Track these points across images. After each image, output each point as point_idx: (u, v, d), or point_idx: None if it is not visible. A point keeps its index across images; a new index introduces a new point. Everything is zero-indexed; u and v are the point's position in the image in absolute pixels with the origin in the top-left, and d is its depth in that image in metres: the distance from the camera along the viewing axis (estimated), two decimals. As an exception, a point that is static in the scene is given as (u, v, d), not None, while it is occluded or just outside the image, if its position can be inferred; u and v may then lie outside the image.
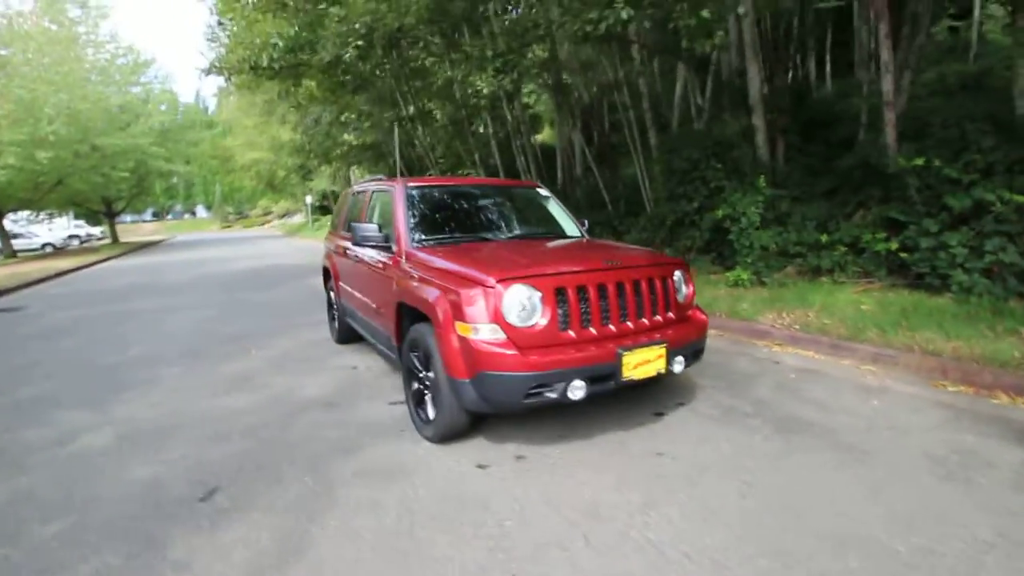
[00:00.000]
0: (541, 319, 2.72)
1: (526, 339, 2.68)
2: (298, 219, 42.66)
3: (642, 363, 2.82)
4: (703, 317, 3.40)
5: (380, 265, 3.82)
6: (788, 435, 3.11)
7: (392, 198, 3.96)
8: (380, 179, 4.83)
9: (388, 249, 3.70)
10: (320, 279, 9.04)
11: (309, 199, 29.54)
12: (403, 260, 3.43)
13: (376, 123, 15.15)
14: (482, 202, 4.27)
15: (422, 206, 3.86)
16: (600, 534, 2.23)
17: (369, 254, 4.08)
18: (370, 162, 20.38)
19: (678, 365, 3.04)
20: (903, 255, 5.80)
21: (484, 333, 2.67)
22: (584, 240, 4.03)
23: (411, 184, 3.96)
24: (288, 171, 29.22)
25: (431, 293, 2.93)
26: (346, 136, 18.24)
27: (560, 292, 2.77)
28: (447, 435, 3.06)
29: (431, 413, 3.11)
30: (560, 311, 2.76)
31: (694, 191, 8.06)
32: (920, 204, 5.80)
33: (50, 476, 2.99)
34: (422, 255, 3.36)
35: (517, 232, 4.02)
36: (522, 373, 2.61)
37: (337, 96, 12.52)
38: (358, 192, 5.13)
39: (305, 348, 5.55)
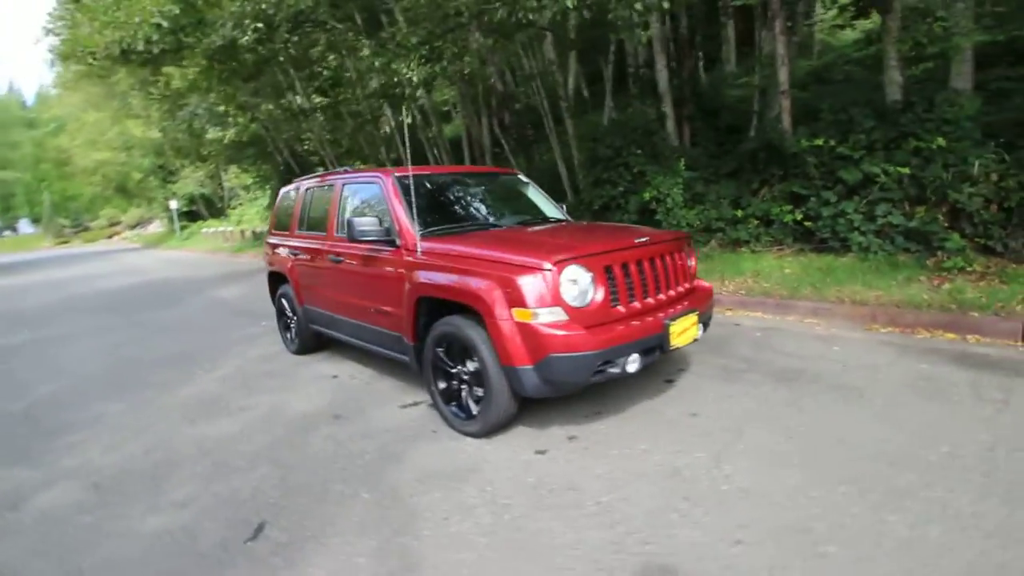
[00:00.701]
0: (596, 297, 2.78)
1: (585, 318, 2.72)
2: (155, 228, 37.69)
3: (683, 331, 3.01)
4: (707, 285, 3.68)
5: (378, 262, 3.59)
6: (788, 384, 3.50)
7: (383, 190, 3.74)
8: (346, 171, 4.51)
9: (391, 243, 3.50)
10: (229, 291, 8.28)
11: (174, 204, 26.23)
12: (417, 252, 3.27)
13: (264, 116, 13.89)
14: (472, 190, 4.19)
15: (415, 197, 3.69)
16: (697, 491, 2.38)
17: (356, 252, 3.81)
18: (249, 160, 18.65)
19: (701, 330, 3.28)
20: (807, 224, 6.69)
21: (546, 316, 2.67)
22: (584, 223, 4.13)
23: (400, 174, 3.77)
24: (145, 173, 25.71)
25: (477, 283, 2.84)
26: (218, 132, 16.49)
27: (608, 270, 2.85)
28: (495, 428, 3.01)
29: (473, 408, 3.03)
30: (610, 289, 2.84)
31: (619, 176, 8.55)
32: (818, 179, 6.71)
33: (25, 550, 2.44)
34: (440, 245, 3.24)
35: (515, 218, 4.01)
36: (591, 352, 2.66)
37: (221, 85, 11.26)
38: (314, 188, 4.73)
39: (260, 363, 5.04)
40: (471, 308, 2.93)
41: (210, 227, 23.54)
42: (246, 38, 8.19)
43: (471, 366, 3.05)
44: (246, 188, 23.88)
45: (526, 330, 2.68)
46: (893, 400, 3.14)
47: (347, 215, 4.15)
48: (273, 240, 5.39)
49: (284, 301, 5.23)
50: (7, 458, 3.42)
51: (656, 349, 2.92)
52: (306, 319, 4.82)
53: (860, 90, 7.43)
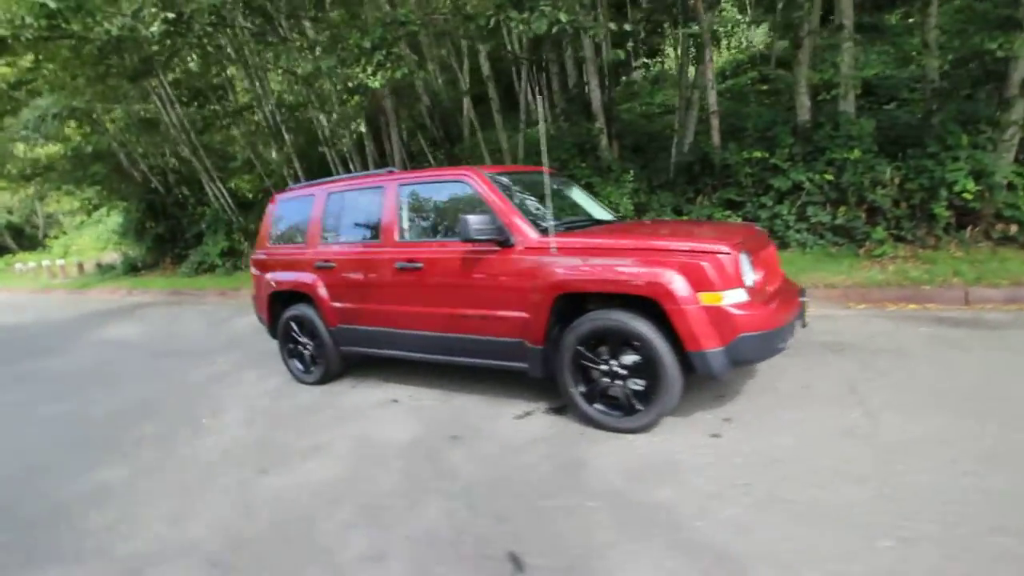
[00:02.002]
0: (758, 279, 2.94)
1: (755, 299, 2.87)
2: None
3: (806, 309, 3.31)
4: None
5: (487, 264, 3.35)
6: (843, 353, 4.00)
7: (475, 188, 3.51)
8: (390, 172, 4.11)
9: (501, 243, 3.29)
10: (120, 331, 7.35)
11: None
12: (552, 248, 3.13)
13: (118, 122, 11.76)
14: (553, 188, 4.08)
15: (509, 194, 3.53)
16: (883, 443, 2.64)
17: (448, 255, 3.51)
18: (89, 180, 15.52)
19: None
20: (746, 226, 7.69)
21: (732, 298, 2.76)
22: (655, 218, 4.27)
23: (491, 172, 3.57)
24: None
25: (652, 271, 2.82)
26: (43, 145, 13.57)
27: (753, 256, 3.04)
28: (662, 417, 2.99)
29: (637, 402, 2.98)
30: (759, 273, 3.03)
31: (568, 188, 8.92)
32: (751, 187, 7.76)
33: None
34: (575, 240, 3.15)
35: (594, 216, 4.03)
36: (775, 329, 2.82)
37: (93, 84, 9.32)
38: (344, 192, 4.22)
39: (277, 399, 4.31)
40: (631, 299, 2.91)
41: (25, 261, 18.99)
42: (152, 29, 6.99)
43: (627, 359, 3.00)
44: (71, 213, 19.85)
45: (715, 313, 2.74)
46: (936, 355, 3.78)
47: (413, 218, 3.81)
48: (269, 257, 4.66)
49: (294, 325, 4.54)
50: (44, 562, 2.48)
51: (795, 325, 3.17)
52: (340, 341, 4.23)
53: (773, 111, 8.77)
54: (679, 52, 8.37)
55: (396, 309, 3.84)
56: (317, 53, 7.00)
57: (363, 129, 8.37)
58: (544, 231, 3.30)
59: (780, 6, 10.77)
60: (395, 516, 2.51)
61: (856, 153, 6.75)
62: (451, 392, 3.99)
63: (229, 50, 10.29)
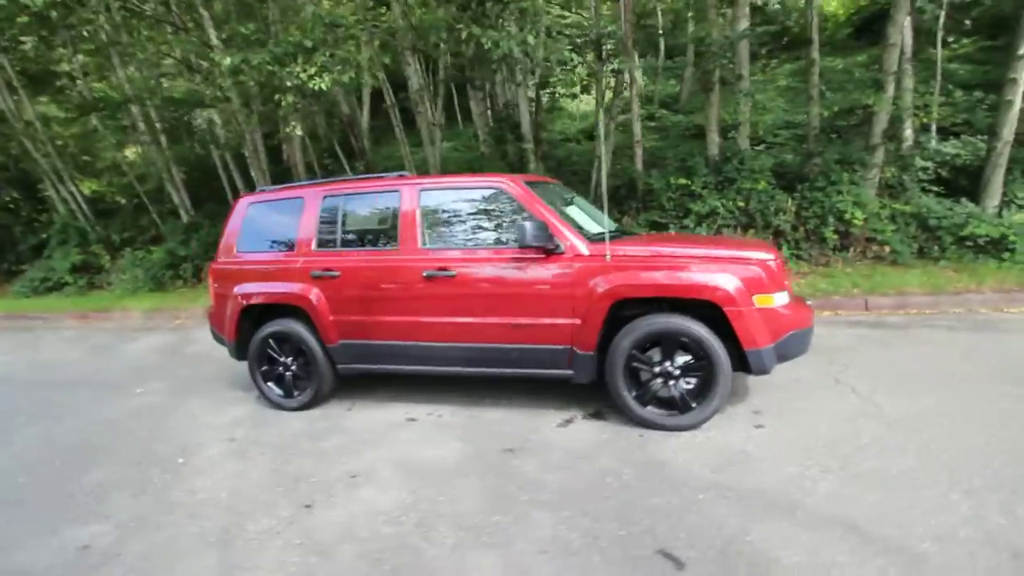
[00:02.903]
0: (791, 285, 3.31)
1: (793, 300, 3.22)
2: None
3: (807, 312, 3.78)
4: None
5: (536, 270, 3.32)
6: (811, 354, 4.59)
7: (513, 195, 3.47)
8: (401, 176, 3.88)
9: (548, 250, 3.29)
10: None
11: None
12: (607, 256, 3.21)
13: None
14: (563, 197, 4.13)
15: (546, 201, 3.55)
16: (897, 417, 3.12)
17: (490, 261, 3.42)
18: None
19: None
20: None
21: (780, 300, 3.07)
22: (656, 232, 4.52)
23: (527, 180, 3.56)
24: None
25: (713, 277, 3.03)
26: None
27: (777, 266, 3.42)
28: (716, 413, 3.19)
29: (692, 401, 3.15)
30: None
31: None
32: (672, 210, 8.59)
33: None
34: (631, 249, 3.26)
35: (608, 227, 4.18)
36: (811, 326, 3.18)
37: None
38: (346, 196, 3.88)
39: (261, 427, 3.79)
40: (688, 303, 3.10)
41: None
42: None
43: (680, 360, 3.17)
44: None
45: (767, 314, 3.03)
46: (875, 349, 4.53)
47: (439, 224, 3.65)
48: (238, 267, 4.10)
49: (274, 343, 4.02)
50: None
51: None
52: (341, 359, 3.84)
53: (688, 145, 9.80)
54: (603, 85, 9.02)
55: (420, 320, 3.60)
56: (218, 45, 6.31)
57: (299, 132, 7.69)
58: (590, 239, 3.38)
59: (694, 59, 12.10)
60: (505, 533, 2.35)
61: (762, 184, 7.84)
62: (471, 407, 3.83)
63: (103, 34, 8.85)
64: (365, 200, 3.89)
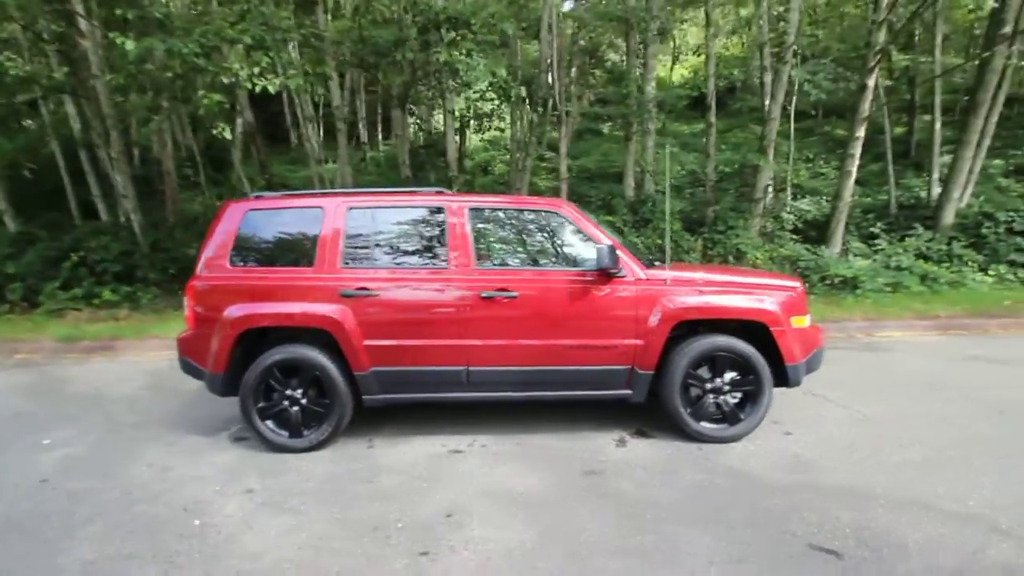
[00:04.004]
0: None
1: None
2: None
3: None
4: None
5: (601, 292, 3.41)
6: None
7: (569, 218, 3.54)
8: (440, 192, 3.69)
9: (614, 273, 3.41)
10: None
11: None
12: (667, 280, 3.43)
13: None
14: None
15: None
16: (913, 425, 3.76)
17: (556, 283, 3.42)
18: None
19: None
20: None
21: (808, 321, 3.55)
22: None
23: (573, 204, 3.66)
24: None
25: (762, 302, 3.40)
26: None
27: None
28: (759, 425, 3.52)
29: (742, 413, 3.47)
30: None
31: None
32: (595, 244, 9.26)
33: None
34: (684, 275, 3.52)
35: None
36: (823, 344, 3.69)
37: None
38: (379, 210, 3.57)
39: (273, 475, 3.22)
40: (742, 325, 3.45)
41: None
42: None
43: (728, 377, 3.48)
44: None
45: (801, 333, 3.49)
46: (831, 366, 5.39)
47: (493, 244, 3.56)
48: (231, 283, 3.49)
49: (279, 373, 3.46)
50: None
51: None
52: (371, 388, 3.44)
53: (608, 186, 10.64)
54: (526, 122, 9.51)
55: (475, 343, 3.41)
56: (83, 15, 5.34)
57: (228, 136, 6.61)
58: (649, 264, 3.58)
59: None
60: (662, 552, 2.34)
61: (676, 225, 8.88)
62: (510, 434, 3.68)
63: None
64: (402, 215, 3.62)
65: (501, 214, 3.66)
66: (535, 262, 3.58)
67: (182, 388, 4.96)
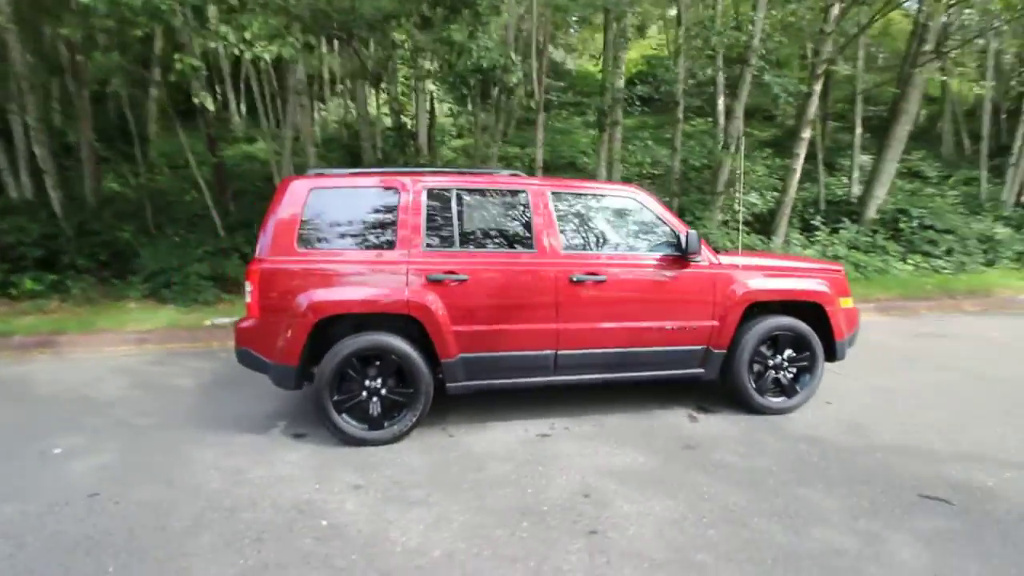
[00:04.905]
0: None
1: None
2: None
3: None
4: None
5: (686, 276, 3.57)
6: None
7: (645, 204, 3.65)
8: (515, 176, 3.65)
9: (694, 259, 3.57)
10: None
11: None
12: (739, 265, 3.65)
13: None
14: None
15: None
16: (919, 399, 4.30)
17: (641, 266, 3.53)
18: None
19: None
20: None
21: (851, 302, 3.93)
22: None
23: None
24: None
25: (817, 285, 3.72)
26: None
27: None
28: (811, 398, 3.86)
29: (798, 386, 3.79)
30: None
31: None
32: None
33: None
34: (749, 261, 3.76)
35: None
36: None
37: None
38: (461, 191, 3.46)
39: (384, 467, 3.04)
40: (800, 306, 3.75)
41: None
42: None
43: (786, 353, 3.79)
44: None
45: (847, 313, 3.86)
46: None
47: (576, 228, 3.59)
48: (306, 267, 3.23)
49: (357, 363, 3.25)
50: None
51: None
52: (456, 376, 3.33)
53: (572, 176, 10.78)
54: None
55: (564, 327, 3.41)
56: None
57: (210, 107, 5.79)
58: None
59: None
60: (813, 511, 2.54)
61: (650, 215, 9.29)
62: (581, 416, 3.73)
63: None
64: (482, 196, 3.52)
65: (580, 197, 3.68)
66: (617, 246, 3.64)
67: (176, 385, 4.57)
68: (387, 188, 3.40)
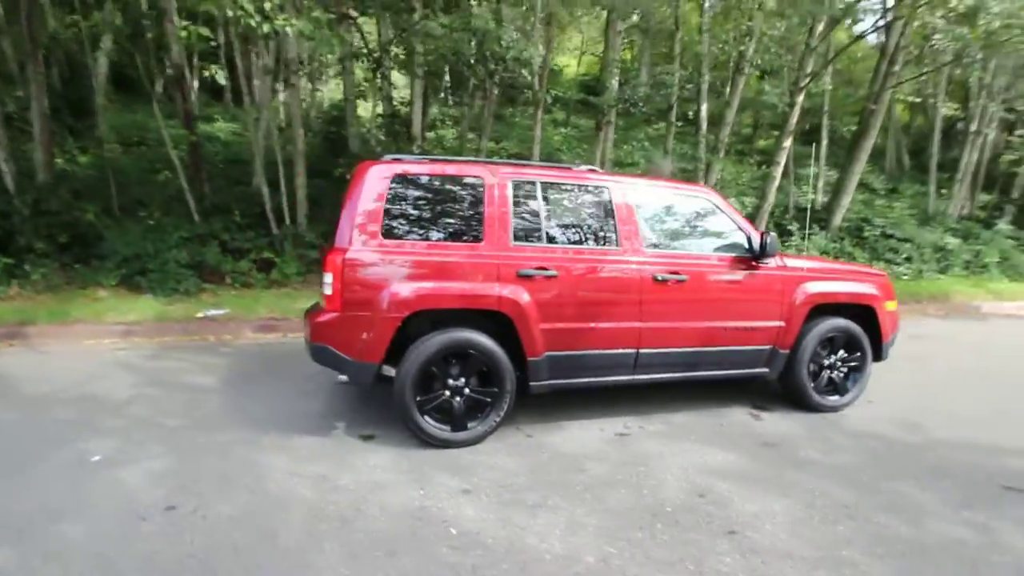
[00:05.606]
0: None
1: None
2: None
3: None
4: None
5: (759, 277, 3.62)
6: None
7: (715, 205, 3.68)
8: (592, 170, 3.60)
9: (765, 261, 3.64)
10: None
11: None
12: (804, 268, 3.76)
13: None
14: None
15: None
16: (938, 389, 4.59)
17: (718, 267, 3.55)
18: None
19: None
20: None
21: (894, 305, 4.14)
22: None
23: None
24: None
25: (868, 288, 3.89)
26: None
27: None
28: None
29: (849, 384, 3.96)
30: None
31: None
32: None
33: None
34: (809, 264, 3.88)
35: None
36: (898, 326, 4.35)
37: None
38: (547, 184, 3.35)
39: (485, 470, 2.90)
40: (852, 308, 3.91)
41: None
42: None
43: (840, 353, 3.95)
44: None
45: (892, 315, 4.06)
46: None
47: (655, 226, 3.57)
48: (388, 258, 3.03)
49: (443, 362, 3.09)
50: None
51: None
52: (541, 374, 3.23)
53: None
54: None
55: (646, 326, 3.38)
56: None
57: (223, 81, 5.20)
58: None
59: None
60: (914, 508, 2.64)
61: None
62: (647, 416, 3.71)
63: None
64: (564, 191, 3.44)
65: (655, 197, 3.66)
66: (693, 246, 3.65)
67: (190, 382, 4.24)
68: (471, 178, 3.25)
